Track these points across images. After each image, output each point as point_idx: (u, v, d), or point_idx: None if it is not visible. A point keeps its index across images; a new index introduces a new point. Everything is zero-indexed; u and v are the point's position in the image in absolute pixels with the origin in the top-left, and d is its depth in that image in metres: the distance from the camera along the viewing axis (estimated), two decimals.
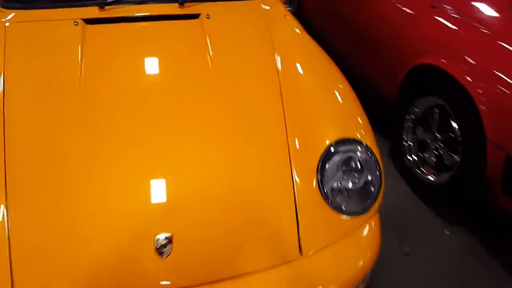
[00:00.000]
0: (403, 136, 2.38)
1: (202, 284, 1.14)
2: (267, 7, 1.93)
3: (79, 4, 1.71)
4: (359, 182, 1.32)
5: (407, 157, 2.37)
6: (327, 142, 1.35)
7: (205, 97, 1.46)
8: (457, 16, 2.16)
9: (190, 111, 1.41)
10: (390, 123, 2.56)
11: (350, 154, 1.34)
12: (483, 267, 1.95)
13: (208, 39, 1.65)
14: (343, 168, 1.33)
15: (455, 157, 2.04)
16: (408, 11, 2.38)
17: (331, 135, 1.38)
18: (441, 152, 2.16)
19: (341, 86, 1.60)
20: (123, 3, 1.74)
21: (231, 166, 1.29)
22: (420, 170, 2.29)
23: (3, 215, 1.14)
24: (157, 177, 1.24)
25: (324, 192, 1.29)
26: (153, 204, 1.20)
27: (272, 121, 1.43)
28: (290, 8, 4.20)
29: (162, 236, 1.12)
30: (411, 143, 2.36)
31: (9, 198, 1.16)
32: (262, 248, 1.20)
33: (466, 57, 1.96)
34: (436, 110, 2.16)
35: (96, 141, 1.30)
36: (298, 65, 1.64)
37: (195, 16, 1.75)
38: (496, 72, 1.84)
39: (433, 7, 2.27)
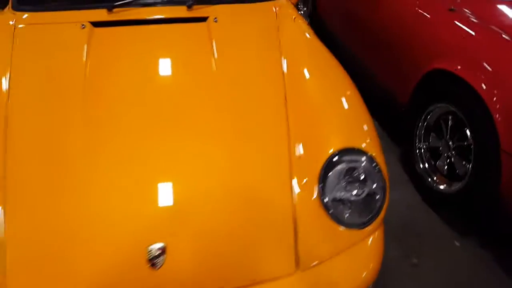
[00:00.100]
0: (415, 143, 2.32)
1: None
2: (277, 10, 1.90)
3: (87, 7, 1.73)
4: (362, 193, 1.28)
5: (419, 165, 2.30)
6: (331, 151, 1.32)
7: (207, 100, 1.45)
8: (476, 20, 2.09)
9: (191, 114, 1.40)
10: (403, 128, 2.50)
11: (354, 164, 1.30)
12: (494, 280, 1.88)
13: (214, 42, 1.64)
14: (346, 178, 1.29)
15: (468, 166, 1.98)
16: (425, 14, 2.32)
17: (335, 143, 1.34)
18: (454, 161, 2.09)
19: (348, 92, 1.55)
20: (131, 5, 1.74)
21: (228, 174, 1.27)
22: (432, 178, 2.23)
23: (0, 216, 1.14)
24: (155, 183, 1.23)
25: (325, 202, 1.25)
26: (150, 210, 1.18)
27: (274, 126, 1.40)
28: (305, 9, 4.18)
29: (155, 247, 1.10)
30: (423, 151, 2.30)
31: (8, 200, 1.17)
32: (257, 261, 1.17)
33: (483, 64, 1.89)
34: (449, 117, 2.09)
35: (97, 142, 1.30)
36: (305, 69, 1.61)
37: (203, 19, 1.74)
38: None
39: (452, 10, 2.20)
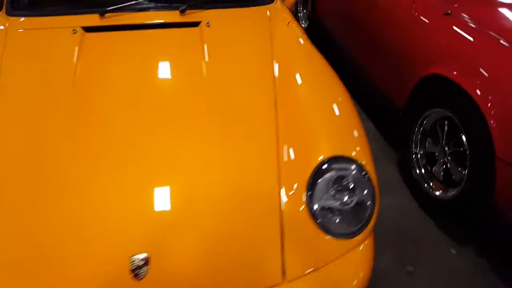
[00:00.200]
0: (412, 148, 2.30)
1: None
2: (271, 14, 1.89)
3: (80, 12, 1.73)
4: (351, 202, 1.26)
5: (415, 170, 2.28)
6: (320, 158, 1.30)
7: (196, 105, 1.44)
8: (473, 25, 2.06)
9: (179, 119, 1.39)
10: (399, 133, 2.47)
11: (343, 172, 1.28)
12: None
13: (205, 46, 1.63)
14: (335, 187, 1.27)
15: (464, 172, 1.95)
16: (422, 18, 2.29)
17: (324, 150, 1.32)
18: (450, 167, 2.07)
19: (340, 99, 1.54)
20: (123, 11, 1.74)
21: (214, 181, 1.25)
22: (428, 184, 2.21)
23: None
24: (139, 190, 1.22)
25: (313, 211, 1.23)
26: (133, 219, 1.16)
27: (263, 131, 1.38)
28: (304, 11, 4.16)
29: (138, 257, 1.09)
30: (419, 156, 2.28)
31: None
32: (243, 272, 1.15)
33: (479, 69, 1.87)
34: (445, 123, 2.07)
35: (84, 146, 1.29)
36: (297, 75, 1.60)
37: (195, 24, 1.73)
38: (510, 87, 1.75)
39: (448, 15, 2.18)
